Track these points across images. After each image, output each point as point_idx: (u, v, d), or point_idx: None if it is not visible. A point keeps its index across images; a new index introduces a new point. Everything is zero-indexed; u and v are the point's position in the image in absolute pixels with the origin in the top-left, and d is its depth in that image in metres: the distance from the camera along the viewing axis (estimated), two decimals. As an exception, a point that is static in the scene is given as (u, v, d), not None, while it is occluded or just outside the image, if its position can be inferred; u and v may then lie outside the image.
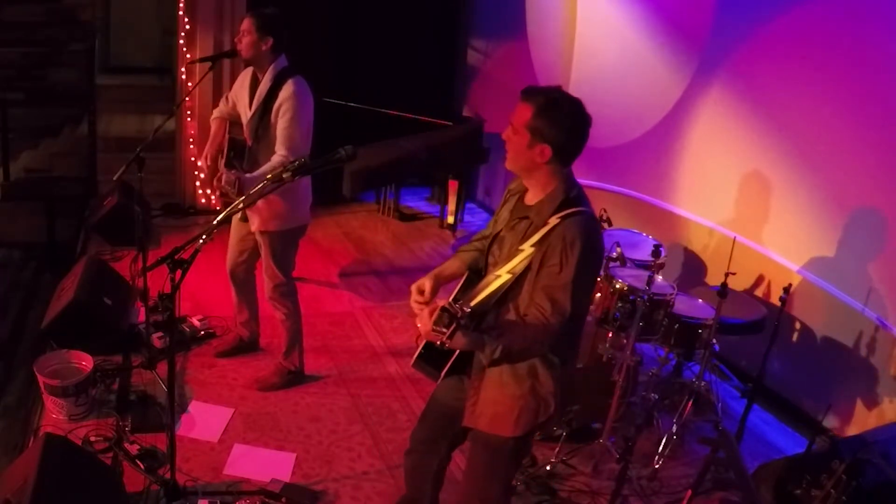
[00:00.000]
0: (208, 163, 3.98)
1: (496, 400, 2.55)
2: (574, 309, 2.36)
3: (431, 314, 2.19)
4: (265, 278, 4.08)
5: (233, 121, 4.04)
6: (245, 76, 3.95)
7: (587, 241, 2.36)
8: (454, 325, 2.17)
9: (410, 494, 3.05)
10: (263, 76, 3.80)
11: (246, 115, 3.89)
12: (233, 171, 3.62)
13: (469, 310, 2.21)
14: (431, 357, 2.63)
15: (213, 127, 4.08)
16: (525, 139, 2.37)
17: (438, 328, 2.17)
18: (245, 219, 4.02)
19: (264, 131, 3.80)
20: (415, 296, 2.56)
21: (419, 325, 2.33)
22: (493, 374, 2.54)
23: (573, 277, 2.33)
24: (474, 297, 2.43)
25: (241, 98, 3.95)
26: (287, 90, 3.71)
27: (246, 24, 3.75)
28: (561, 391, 2.54)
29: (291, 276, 4.11)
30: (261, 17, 3.74)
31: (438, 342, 2.24)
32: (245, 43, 3.75)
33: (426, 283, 2.57)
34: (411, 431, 2.99)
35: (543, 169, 2.41)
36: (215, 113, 4.13)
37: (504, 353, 2.36)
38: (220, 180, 3.67)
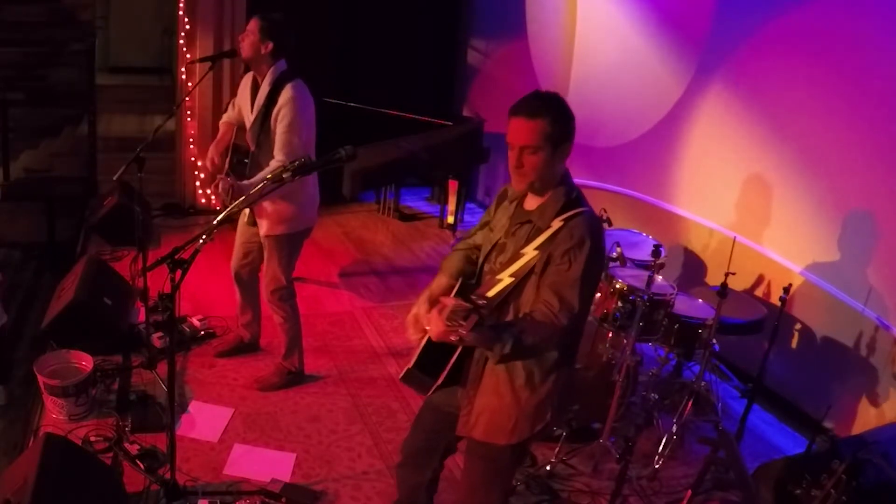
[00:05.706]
0: (216, 162, 3.96)
1: (492, 408, 2.52)
2: (580, 306, 2.35)
3: (441, 312, 2.13)
4: (265, 281, 4.08)
5: (240, 126, 4.03)
6: (247, 81, 3.94)
7: (594, 239, 2.36)
8: (475, 316, 2.09)
9: (403, 501, 3.01)
10: (263, 80, 3.80)
11: (248, 120, 3.89)
12: (228, 179, 3.62)
13: (487, 300, 2.16)
14: (427, 364, 2.54)
15: (221, 130, 4.08)
16: (547, 151, 2.35)
17: (455, 322, 2.10)
18: (253, 223, 4.01)
19: (265, 136, 3.79)
20: (412, 332, 2.53)
21: (427, 327, 2.28)
22: (489, 382, 2.52)
23: (581, 274, 2.32)
24: None
25: (244, 104, 3.94)
26: (286, 94, 3.70)
27: (251, 24, 3.76)
28: (560, 394, 2.53)
29: (291, 280, 4.11)
30: (266, 20, 3.72)
31: (455, 337, 2.14)
32: (246, 42, 3.76)
33: (421, 311, 2.52)
34: (403, 441, 2.92)
35: (556, 171, 2.42)
36: (223, 118, 4.13)
37: (515, 347, 2.26)
38: (217, 186, 3.67)
